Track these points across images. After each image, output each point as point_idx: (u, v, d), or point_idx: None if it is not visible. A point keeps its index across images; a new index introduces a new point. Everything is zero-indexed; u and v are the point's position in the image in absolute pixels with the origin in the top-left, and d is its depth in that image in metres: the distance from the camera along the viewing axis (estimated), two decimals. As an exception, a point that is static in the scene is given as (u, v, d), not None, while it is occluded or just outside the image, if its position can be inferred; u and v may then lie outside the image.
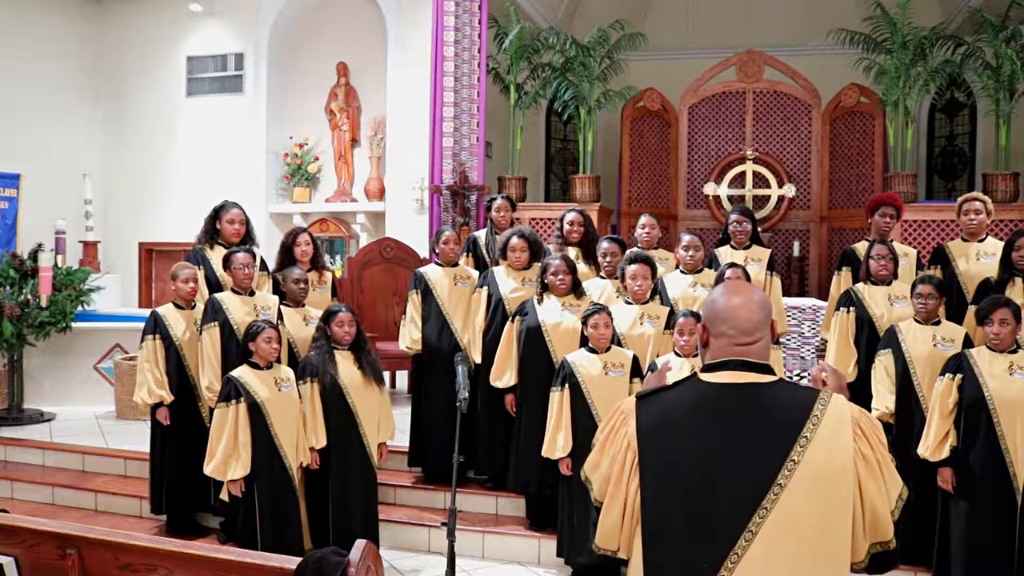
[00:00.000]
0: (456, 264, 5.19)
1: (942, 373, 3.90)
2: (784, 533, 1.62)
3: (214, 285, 4.95)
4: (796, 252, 8.83)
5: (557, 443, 4.14)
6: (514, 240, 4.94)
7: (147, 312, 5.14)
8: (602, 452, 1.81)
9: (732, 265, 4.60)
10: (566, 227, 5.24)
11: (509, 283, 4.93)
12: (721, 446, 1.68)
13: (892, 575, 4.22)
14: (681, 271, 4.98)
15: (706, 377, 1.77)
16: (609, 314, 4.22)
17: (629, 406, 1.80)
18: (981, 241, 4.88)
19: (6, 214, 7.52)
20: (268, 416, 4.08)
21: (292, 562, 2.26)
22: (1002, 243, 4.75)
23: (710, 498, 1.66)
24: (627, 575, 1.80)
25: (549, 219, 7.88)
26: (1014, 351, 3.81)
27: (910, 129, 7.70)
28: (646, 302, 4.54)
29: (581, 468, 1.88)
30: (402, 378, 7.30)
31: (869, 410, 4.17)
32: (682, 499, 1.68)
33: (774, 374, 1.77)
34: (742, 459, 1.66)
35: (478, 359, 4.87)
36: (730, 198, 8.98)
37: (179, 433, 4.65)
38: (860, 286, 4.72)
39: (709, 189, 9.04)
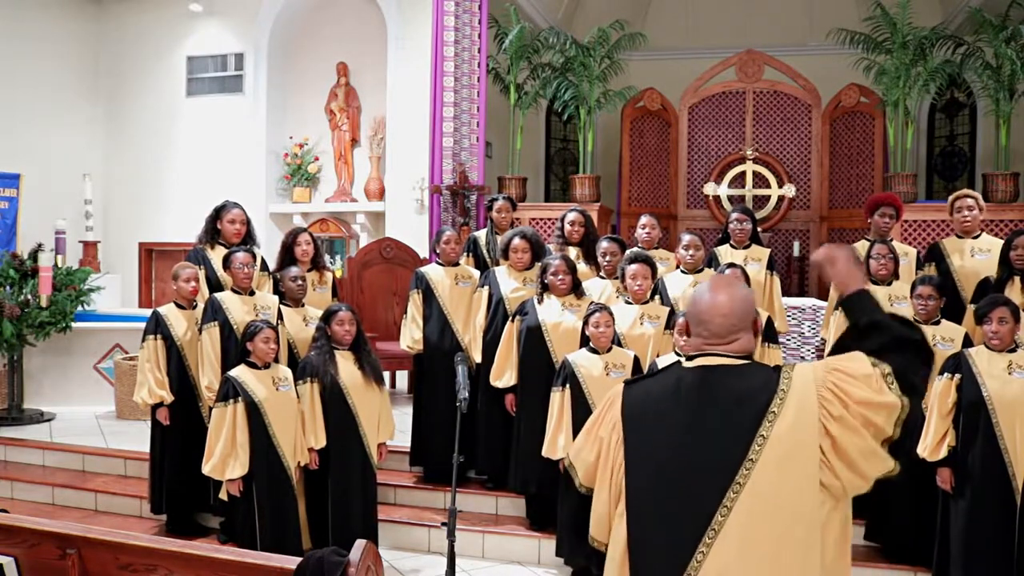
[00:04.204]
0: (457, 264, 5.20)
1: (940, 372, 3.90)
2: (757, 507, 1.67)
3: (215, 285, 4.95)
4: (796, 252, 8.84)
5: (558, 443, 4.13)
6: (516, 241, 4.94)
7: (147, 312, 5.14)
8: (587, 436, 1.91)
9: (731, 265, 4.61)
10: (567, 227, 5.24)
11: (510, 283, 4.93)
12: (695, 426, 1.75)
13: (893, 575, 4.23)
14: (681, 271, 4.98)
15: (686, 364, 1.86)
16: (611, 313, 4.22)
17: (616, 392, 1.90)
18: (976, 237, 4.89)
19: (6, 214, 7.52)
20: (266, 416, 4.07)
21: (292, 562, 2.26)
22: (997, 240, 4.75)
23: (687, 476, 1.72)
24: (608, 551, 1.85)
25: (549, 219, 7.88)
26: (1013, 350, 3.81)
27: (910, 129, 7.69)
28: (646, 302, 4.54)
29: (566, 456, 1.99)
30: (402, 378, 7.30)
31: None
32: (661, 477, 1.74)
33: (749, 359, 1.83)
34: (715, 438, 1.72)
35: (479, 359, 4.88)
36: (730, 198, 8.98)
37: (179, 433, 4.65)
38: (860, 286, 4.71)
39: (709, 189, 9.04)
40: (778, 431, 1.69)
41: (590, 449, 1.89)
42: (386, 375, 5.93)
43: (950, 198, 5.05)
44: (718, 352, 1.82)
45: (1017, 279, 4.47)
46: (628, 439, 1.80)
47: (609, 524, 1.83)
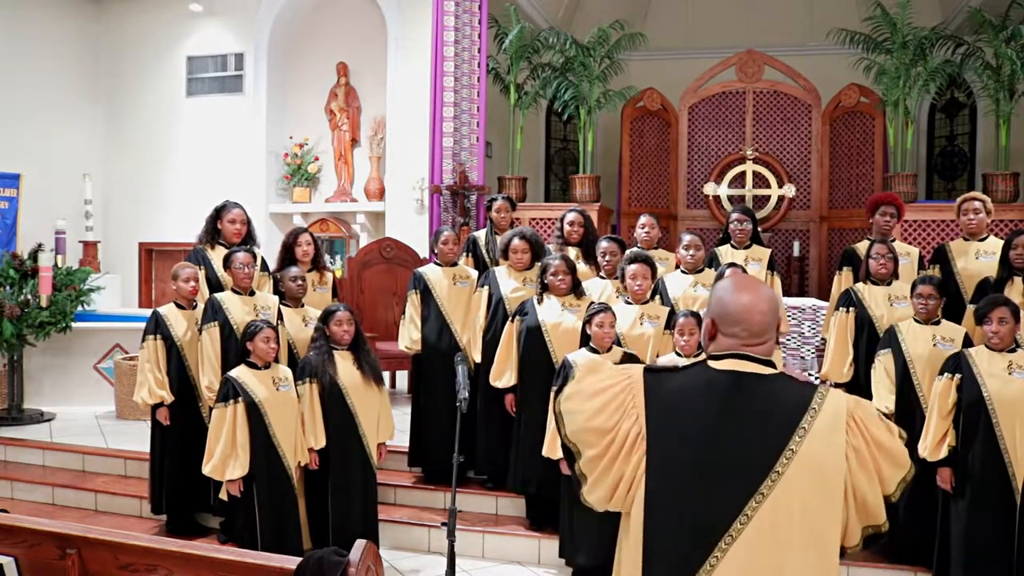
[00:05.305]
0: (455, 264, 5.19)
1: (940, 372, 3.90)
2: (777, 519, 1.66)
3: (215, 285, 4.96)
4: (796, 252, 8.83)
5: (559, 444, 4.12)
6: (516, 241, 4.94)
7: (147, 312, 5.14)
8: (596, 398, 1.81)
9: (732, 265, 4.60)
10: (566, 227, 5.24)
11: (510, 283, 4.93)
12: (724, 432, 1.72)
13: (893, 575, 4.23)
14: (682, 271, 4.98)
15: (713, 364, 1.81)
16: (613, 314, 4.21)
17: (636, 375, 1.81)
18: (982, 240, 4.88)
19: (6, 214, 7.51)
20: (266, 416, 4.07)
21: (292, 562, 2.26)
22: (1003, 242, 4.75)
23: (710, 480, 1.70)
24: (619, 547, 1.82)
25: (549, 219, 7.87)
26: (1013, 350, 3.81)
27: (910, 129, 7.69)
28: (646, 302, 4.54)
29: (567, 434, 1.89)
30: (402, 378, 7.30)
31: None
32: (683, 480, 1.71)
33: (776, 367, 1.81)
34: (743, 446, 1.70)
35: (478, 359, 4.87)
36: (730, 198, 8.97)
37: (179, 433, 4.64)
38: (860, 286, 4.71)
39: (709, 189, 9.04)
40: (808, 448, 1.68)
41: (596, 411, 1.80)
42: (386, 375, 5.93)
43: (957, 200, 5.04)
44: (750, 355, 1.78)
45: (1017, 279, 4.47)
46: (651, 437, 1.75)
47: (608, 500, 1.80)
